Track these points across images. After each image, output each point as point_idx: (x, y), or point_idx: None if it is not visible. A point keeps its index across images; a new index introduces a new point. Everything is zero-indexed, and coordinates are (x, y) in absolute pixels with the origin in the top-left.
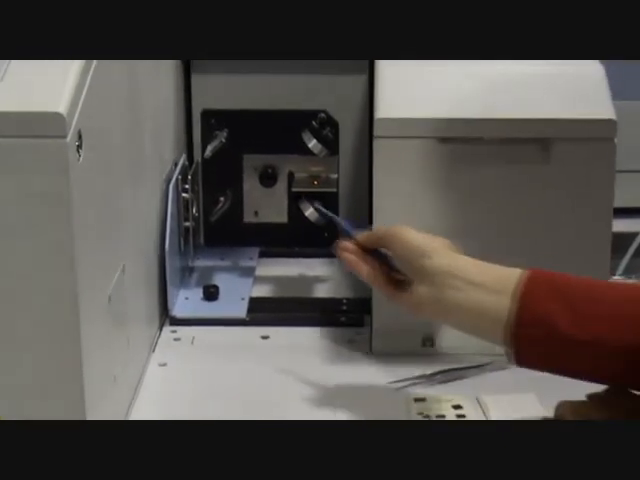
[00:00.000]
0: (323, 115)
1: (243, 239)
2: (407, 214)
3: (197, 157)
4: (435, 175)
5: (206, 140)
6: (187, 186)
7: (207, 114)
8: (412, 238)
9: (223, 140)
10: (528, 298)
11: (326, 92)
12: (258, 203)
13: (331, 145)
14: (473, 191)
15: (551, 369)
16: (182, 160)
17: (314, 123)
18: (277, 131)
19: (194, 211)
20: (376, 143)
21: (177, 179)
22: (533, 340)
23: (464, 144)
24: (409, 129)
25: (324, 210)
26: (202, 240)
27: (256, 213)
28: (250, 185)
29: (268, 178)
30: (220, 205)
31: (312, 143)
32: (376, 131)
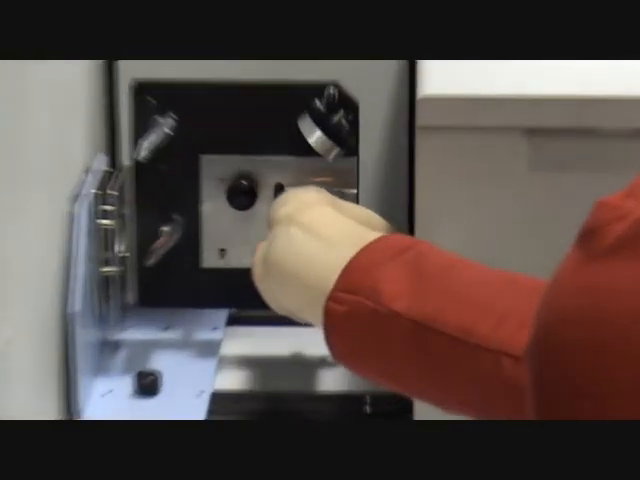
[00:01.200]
0: (332, 92)
1: (201, 296)
2: (467, 244)
3: (124, 160)
4: (511, 185)
5: (139, 131)
6: (108, 207)
7: (141, 89)
8: None
9: (168, 131)
10: (361, 260)
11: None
12: (226, 236)
13: (345, 140)
14: (567, 206)
15: (368, 364)
16: (99, 164)
17: (318, 103)
18: (256, 117)
19: (120, 249)
20: (419, 137)
21: (91, 197)
22: (346, 312)
23: (562, 138)
24: (472, 115)
25: None
26: (133, 297)
27: (222, 252)
28: (212, 206)
29: (243, 194)
30: (163, 239)
31: (315, 136)
32: (419, 118)
